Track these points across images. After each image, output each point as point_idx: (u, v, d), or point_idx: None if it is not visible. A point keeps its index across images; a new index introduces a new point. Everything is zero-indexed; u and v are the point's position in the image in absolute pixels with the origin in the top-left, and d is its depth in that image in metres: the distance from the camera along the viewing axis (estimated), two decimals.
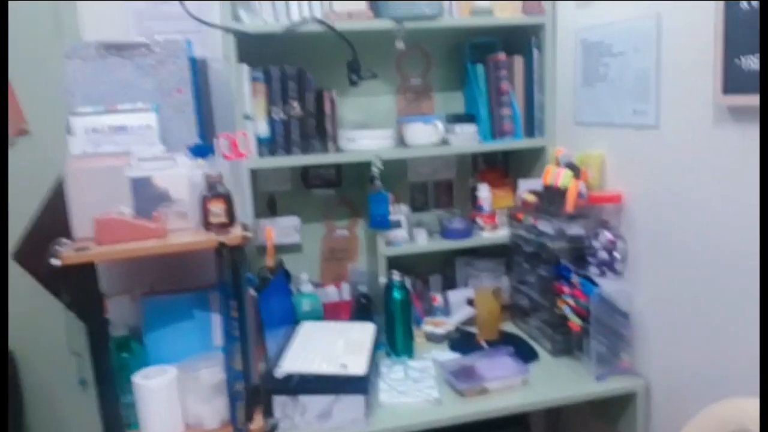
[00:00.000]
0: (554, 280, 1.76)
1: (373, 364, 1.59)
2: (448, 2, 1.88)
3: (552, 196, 1.79)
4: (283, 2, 1.77)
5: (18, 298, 2.10)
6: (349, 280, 2.12)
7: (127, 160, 1.44)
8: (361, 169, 1.95)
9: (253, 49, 1.77)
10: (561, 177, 1.75)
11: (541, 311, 1.85)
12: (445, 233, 2.04)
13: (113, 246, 1.32)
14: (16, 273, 2.10)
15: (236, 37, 1.71)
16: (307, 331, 1.74)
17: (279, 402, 1.45)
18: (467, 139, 1.98)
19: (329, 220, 2.13)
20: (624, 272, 1.69)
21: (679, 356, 1.52)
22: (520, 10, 1.94)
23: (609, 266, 1.69)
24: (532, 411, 1.82)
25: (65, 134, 1.54)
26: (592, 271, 1.70)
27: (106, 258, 1.31)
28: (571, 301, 1.69)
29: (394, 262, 1.92)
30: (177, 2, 1.68)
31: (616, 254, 1.68)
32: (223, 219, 1.42)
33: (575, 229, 1.74)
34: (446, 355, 1.81)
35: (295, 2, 1.78)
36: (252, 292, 1.48)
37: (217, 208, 1.41)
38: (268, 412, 1.46)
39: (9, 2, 1.96)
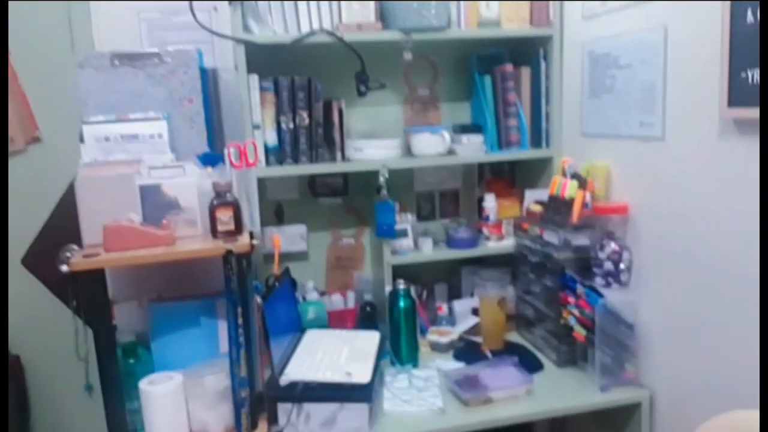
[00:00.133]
0: (559, 290, 1.76)
1: (378, 373, 1.60)
2: (455, 14, 1.90)
3: (558, 207, 1.79)
4: (293, 14, 1.79)
5: (26, 303, 2.12)
6: (355, 289, 2.13)
7: (137, 168, 1.46)
8: (368, 178, 1.97)
9: (263, 59, 1.79)
10: (567, 188, 1.76)
11: (546, 321, 1.85)
12: (451, 242, 2.05)
13: (122, 253, 1.34)
14: (24, 278, 2.12)
15: (246, 47, 1.74)
16: (312, 338, 1.75)
17: (283, 409, 1.46)
18: (474, 149, 1.99)
19: (336, 228, 2.15)
20: (629, 283, 1.69)
21: (684, 367, 1.52)
22: (527, 22, 1.95)
23: (614, 277, 1.69)
24: (537, 421, 1.82)
25: (77, 142, 1.57)
26: (598, 281, 1.70)
27: (115, 265, 1.33)
28: (576, 312, 1.69)
29: (400, 271, 1.92)
30: (189, 13, 1.71)
31: (621, 265, 1.68)
32: (230, 227, 1.44)
33: (581, 240, 1.75)
34: (451, 364, 1.82)
35: (305, 14, 1.80)
36: (258, 299, 1.49)
37: (224, 216, 1.43)
38: (273, 420, 1.47)
39: (24, 14, 1.99)
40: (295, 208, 2.10)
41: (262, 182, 1.85)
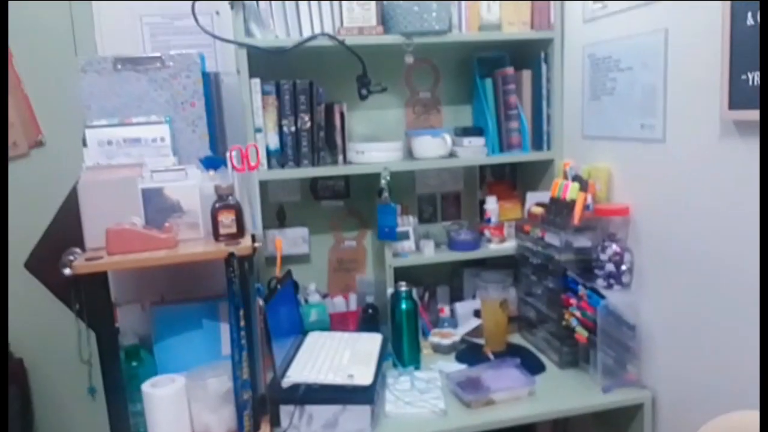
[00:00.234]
0: (561, 292, 1.76)
1: (380, 375, 1.60)
2: (457, 17, 1.90)
3: (559, 209, 1.80)
4: (295, 17, 1.80)
5: (29, 307, 2.13)
6: (357, 291, 2.13)
7: (139, 172, 1.47)
8: (370, 180, 1.98)
9: (265, 63, 1.80)
10: (568, 190, 1.76)
11: (548, 323, 1.85)
12: (453, 245, 2.05)
13: (124, 256, 1.34)
14: (27, 282, 2.13)
15: (248, 51, 1.74)
16: (315, 341, 1.76)
17: (286, 411, 1.46)
18: (475, 151, 1.99)
19: (337, 231, 2.15)
20: (631, 284, 1.70)
21: (686, 368, 1.52)
22: (528, 25, 1.96)
23: (616, 278, 1.69)
24: (539, 422, 1.82)
25: (80, 146, 1.58)
26: (599, 283, 1.70)
27: (117, 268, 1.34)
28: (577, 313, 1.70)
29: (402, 273, 1.93)
30: (191, 18, 1.72)
31: (622, 266, 1.69)
32: (232, 230, 1.44)
33: (582, 242, 1.75)
34: (453, 366, 1.82)
35: (307, 18, 1.81)
36: (260, 302, 1.50)
37: (227, 219, 1.44)
38: (275, 422, 1.47)
39: (27, 19, 2.00)
40: (296, 211, 2.10)
41: (264, 185, 1.86)
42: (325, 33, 1.80)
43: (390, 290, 1.88)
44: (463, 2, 1.90)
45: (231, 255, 1.36)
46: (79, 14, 2.02)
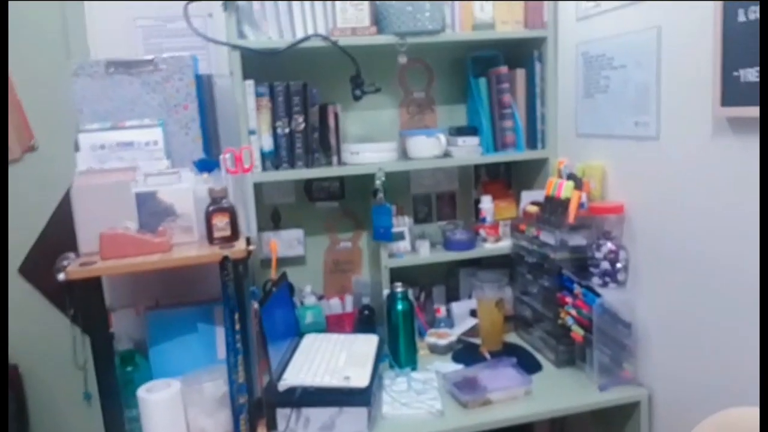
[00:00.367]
0: (557, 290, 1.76)
1: (376, 376, 1.60)
2: (450, 17, 1.90)
3: (554, 207, 1.80)
4: (288, 19, 1.80)
5: (23, 312, 2.12)
6: (353, 292, 2.13)
7: (132, 176, 1.46)
8: (365, 181, 1.97)
9: (258, 65, 1.79)
10: (563, 188, 1.76)
11: (544, 322, 1.86)
12: (448, 245, 2.05)
13: (118, 261, 1.34)
14: (21, 287, 2.12)
15: (241, 53, 1.74)
16: (311, 343, 1.75)
17: (282, 414, 1.46)
18: (470, 151, 1.99)
19: (333, 232, 2.15)
20: (626, 282, 1.70)
21: (682, 365, 1.52)
22: (521, 24, 1.96)
23: (611, 276, 1.69)
24: (536, 422, 1.81)
25: (73, 150, 1.57)
26: (595, 281, 1.71)
27: (111, 273, 1.33)
28: (573, 312, 1.70)
29: (398, 274, 1.93)
30: (184, 20, 1.71)
31: (618, 264, 1.69)
32: (226, 233, 1.44)
33: (577, 240, 1.75)
34: (449, 366, 1.82)
35: (300, 19, 1.81)
36: (255, 305, 1.49)
37: (221, 222, 1.43)
38: (272, 425, 1.47)
39: (20, 22, 2.00)
40: (291, 213, 2.10)
41: (258, 187, 1.86)
42: (318, 34, 1.80)
43: (386, 291, 1.88)
44: (456, 2, 1.90)
45: (225, 258, 1.35)
46: (72, 17, 2.01)
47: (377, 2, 1.84)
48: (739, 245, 1.31)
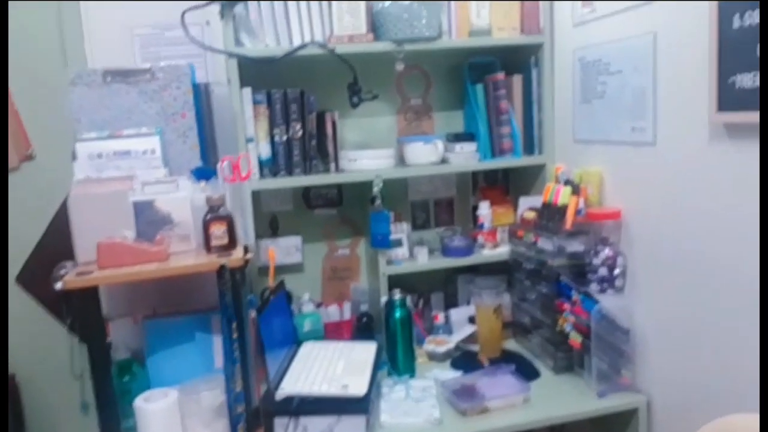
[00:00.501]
0: (555, 297, 1.76)
1: (375, 384, 1.60)
2: (447, 24, 1.91)
3: (551, 214, 1.80)
4: (285, 27, 1.80)
5: (20, 321, 2.12)
6: (351, 300, 2.13)
7: (130, 185, 1.47)
8: (362, 188, 1.97)
9: (256, 72, 1.79)
10: (560, 194, 1.76)
11: (542, 328, 1.85)
12: (446, 251, 2.05)
13: (115, 270, 1.34)
14: (18, 296, 2.12)
15: (239, 61, 1.74)
16: (309, 351, 1.75)
17: (280, 424, 1.45)
18: (467, 157, 1.99)
19: (331, 239, 2.15)
20: (624, 288, 1.70)
21: (681, 372, 1.52)
22: (518, 31, 1.96)
23: (609, 282, 1.69)
24: (534, 429, 1.80)
25: (70, 159, 1.57)
26: (593, 287, 1.70)
27: (108, 282, 1.33)
28: (571, 318, 1.69)
29: (396, 281, 1.92)
30: (181, 28, 1.71)
31: (616, 270, 1.69)
32: (224, 241, 1.44)
33: (575, 246, 1.75)
34: (448, 373, 1.81)
35: (297, 27, 1.81)
36: (253, 313, 1.49)
37: (218, 230, 1.43)
38: None
39: (17, 32, 2.00)
40: (289, 220, 2.10)
41: (256, 194, 1.85)
42: (315, 41, 1.80)
43: (384, 298, 1.88)
44: (452, 8, 1.90)
45: (222, 267, 1.35)
46: (69, 26, 2.01)
47: (374, 10, 1.85)
48: (736, 250, 1.31)
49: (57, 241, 1.98)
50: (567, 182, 1.80)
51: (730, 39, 1.26)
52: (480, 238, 2.06)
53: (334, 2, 1.81)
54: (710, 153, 1.36)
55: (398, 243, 1.99)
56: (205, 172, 1.60)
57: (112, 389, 1.37)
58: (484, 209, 2.07)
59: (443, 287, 2.20)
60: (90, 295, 1.34)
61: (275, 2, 1.78)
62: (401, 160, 2.01)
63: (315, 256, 2.14)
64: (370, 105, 1.99)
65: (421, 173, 2.03)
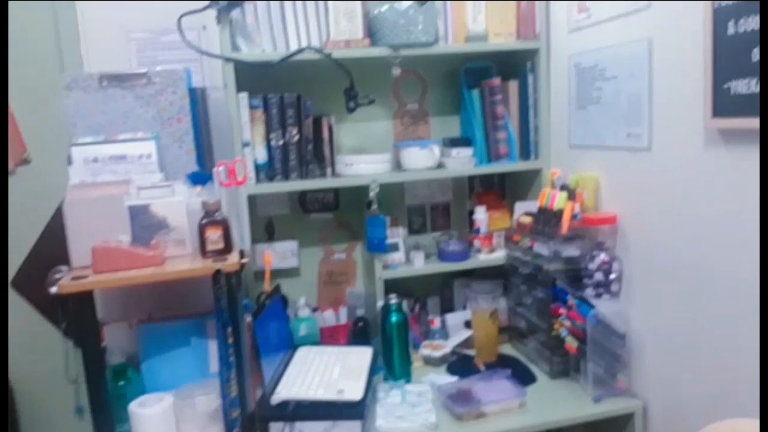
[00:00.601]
0: (551, 301, 1.76)
1: (371, 389, 1.60)
2: (443, 29, 1.91)
3: (547, 218, 1.80)
4: (282, 32, 1.81)
5: (15, 325, 2.11)
6: (347, 304, 2.12)
7: (125, 189, 1.46)
8: (359, 193, 1.97)
9: (252, 77, 1.80)
10: (556, 199, 1.77)
11: (538, 333, 1.85)
12: (443, 256, 2.05)
13: (111, 274, 1.33)
14: (13, 300, 2.11)
15: (235, 66, 1.74)
16: (305, 356, 1.75)
17: (275, 429, 1.45)
18: (463, 162, 2.00)
19: (327, 243, 2.15)
20: (620, 293, 1.70)
21: (677, 376, 1.52)
22: (514, 36, 1.97)
23: (605, 287, 1.69)
24: None
25: (66, 163, 1.57)
26: (588, 292, 1.71)
27: (103, 286, 1.33)
28: (567, 323, 1.70)
29: (392, 285, 1.93)
30: (177, 32, 1.72)
31: (611, 275, 1.69)
32: (220, 246, 1.44)
33: (571, 251, 1.75)
34: (444, 378, 1.81)
35: (293, 31, 1.81)
36: (248, 318, 1.49)
37: (214, 234, 1.43)
38: None
39: (13, 36, 1.99)
40: (286, 224, 2.10)
41: (252, 198, 1.85)
42: (311, 46, 1.80)
43: (380, 303, 1.88)
44: (449, 14, 1.91)
45: (218, 272, 1.35)
46: (65, 30, 2.01)
47: (370, 15, 1.85)
48: (731, 255, 1.32)
49: (52, 245, 1.97)
50: (563, 187, 1.81)
51: (725, 45, 1.26)
52: (476, 243, 2.06)
53: (330, 7, 1.81)
54: (705, 159, 1.37)
55: (394, 247, 1.99)
56: (200, 177, 1.60)
57: (107, 394, 1.36)
58: (481, 214, 2.07)
59: (439, 292, 2.20)
60: (85, 299, 1.34)
61: (272, 7, 1.79)
62: (398, 165, 2.01)
63: (311, 261, 2.14)
64: (366, 110, 1.99)
65: (418, 178, 2.03)
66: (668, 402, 1.56)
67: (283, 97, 1.84)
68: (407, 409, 1.62)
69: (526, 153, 2.04)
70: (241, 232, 1.62)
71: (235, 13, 1.74)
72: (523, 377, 1.77)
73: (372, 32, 1.87)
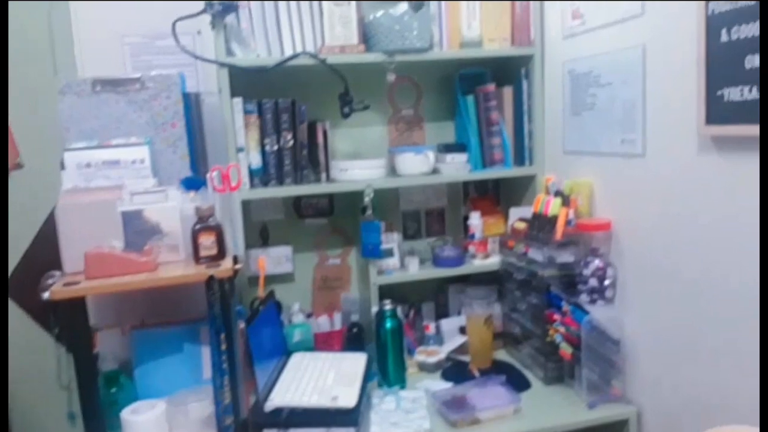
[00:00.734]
0: (545, 307, 1.76)
1: (365, 396, 1.59)
2: (438, 35, 1.91)
3: (542, 224, 1.80)
4: (276, 37, 1.80)
5: (8, 330, 2.09)
6: (342, 310, 2.12)
7: (118, 194, 1.45)
8: (354, 198, 1.97)
9: (247, 82, 1.79)
10: (550, 205, 1.77)
11: (533, 339, 1.85)
12: (437, 261, 2.04)
13: (103, 280, 1.32)
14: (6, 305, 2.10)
15: (230, 71, 1.74)
16: (299, 362, 1.74)
17: None
18: (458, 168, 2.00)
19: (321, 249, 2.14)
20: (614, 299, 1.70)
21: (671, 383, 1.52)
22: (508, 42, 1.97)
23: (599, 293, 1.70)
24: None
25: (59, 168, 1.56)
26: (583, 298, 1.71)
27: (96, 293, 1.32)
28: (562, 329, 1.69)
29: (387, 291, 1.92)
30: (172, 37, 1.71)
31: (606, 281, 1.69)
32: (213, 251, 1.43)
33: (565, 257, 1.75)
34: (439, 384, 1.81)
35: (288, 37, 1.81)
36: (242, 324, 1.48)
37: (207, 240, 1.42)
38: None
39: (8, 37, 1.99)
40: (280, 230, 2.09)
41: (246, 204, 1.85)
42: (306, 52, 1.80)
43: (375, 308, 1.87)
44: (443, 20, 1.91)
45: (211, 278, 1.34)
46: (59, 35, 2.00)
47: (365, 20, 1.85)
48: (726, 261, 1.32)
49: (45, 250, 1.96)
50: (557, 193, 1.81)
51: (719, 52, 1.27)
52: (471, 249, 2.06)
53: (325, 12, 1.81)
54: (699, 165, 1.37)
55: (389, 253, 1.99)
56: (194, 182, 1.60)
57: (99, 400, 1.35)
58: (475, 219, 2.07)
59: (434, 297, 2.20)
60: (77, 305, 1.33)
61: (267, 12, 1.79)
62: (392, 170, 2.01)
63: (305, 266, 2.13)
64: (361, 115, 1.99)
65: (413, 183, 2.03)
66: (663, 408, 1.56)
67: (277, 102, 1.84)
68: (402, 415, 1.61)
69: (520, 159, 2.04)
70: (235, 237, 1.62)
71: (230, 18, 1.74)
72: (518, 383, 1.77)
73: (367, 38, 1.87)
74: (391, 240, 2.02)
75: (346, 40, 1.83)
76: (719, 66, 1.27)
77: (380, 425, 1.56)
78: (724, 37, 1.25)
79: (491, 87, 2.01)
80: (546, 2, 1.94)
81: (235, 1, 1.72)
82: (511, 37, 1.98)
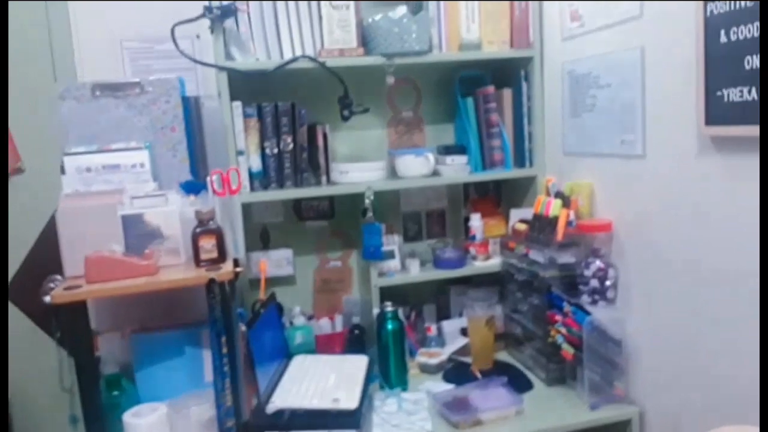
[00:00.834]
0: (547, 308, 1.76)
1: (366, 398, 1.59)
2: (437, 37, 1.92)
3: (542, 226, 1.80)
4: (276, 40, 1.81)
5: (9, 333, 2.10)
6: (343, 312, 2.12)
7: (119, 198, 1.46)
8: (354, 200, 1.97)
9: (246, 86, 1.80)
10: (551, 206, 1.77)
11: (534, 340, 1.85)
12: (438, 263, 2.04)
13: (104, 284, 1.32)
14: (8, 309, 2.10)
15: (229, 74, 1.75)
16: (300, 364, 1.74)
17: None
18: (458, 170, 2.00)
19: (322, 251, 2.14)
20: (615, 300, 1.70)
21: (673, 383, 1.52)
22: (507, 44, 1.97)
23: (600, 294, 1.70)
24: None
25: (59, 173, 1.56)
26: (584, 299, 1.71)
27: (97, 296, 1.32)
28: (563, 330, 1.69)
29: (388, 293, 1.92)
30: (171, 42, 1.72)
31: (607, 282, 1.69)
32: (213, 255, 1.43)
33: (566, 258, 1.75)
34: (440, 386, 1.80)
35: (287, 40, 1.82)
36: (242, 327, 1.48)
37: (207, 244, 1.43)
38: None
39: (8, 43, 1.99)
40: (281, 232, 2.09)
41: (247, 207, 1.85)
42: (305, 55, 1.81)
43: (376, 310, 1.87)
44: (442, 22, 1.91)
45: (212, 281, 1.34)
46: (59, 39, 2.01)
47: (364, 23, 1.86)
48: (726, 261, 1.32)
49: (46, 254, 1.97)
50: (557, 194, 1.81)
51: (717, 54, 1.27)
52: (472, 250, 2.06)
53: (324, 16, 1.81)
54: (699, 166, 1.37)
55: (390, 255, 1.99)
56: (194, 186, 1.60)
57: (100, 403, 1.35)
58: (476, 221, 2.07)
59: (435, 299, 2.20)
60: (78, 309, 1.33)
61: (266, 16, 1.79)
62: (393, 173, 2.01)
63: (306, 269, 2.13)
64: (361, 118, 1.99)
65: (413, 185, 2.03)
66: (665, 409, 1.56)
67: (277, 105, 1.84)
68: (403, 417, 1.61)
69: (520, 160, 2.04)
70: (236, 240, 1.62)
71: (229, 22, 1.74)
72: (520, 384, 1.77)
73: (366, 41, 1.87)
74: (392, 242, 2.02)
75: (345, 44, 1.84)
76: (718, 67, 1.27)
77: (382, 427, 1.56)
78: (723, 38, 1.26)
79: (491, 89, 2.02)
80: (545, 4, 1.94)
81: (235, 4, 1.72)
82: (510, 39, 1.98)
